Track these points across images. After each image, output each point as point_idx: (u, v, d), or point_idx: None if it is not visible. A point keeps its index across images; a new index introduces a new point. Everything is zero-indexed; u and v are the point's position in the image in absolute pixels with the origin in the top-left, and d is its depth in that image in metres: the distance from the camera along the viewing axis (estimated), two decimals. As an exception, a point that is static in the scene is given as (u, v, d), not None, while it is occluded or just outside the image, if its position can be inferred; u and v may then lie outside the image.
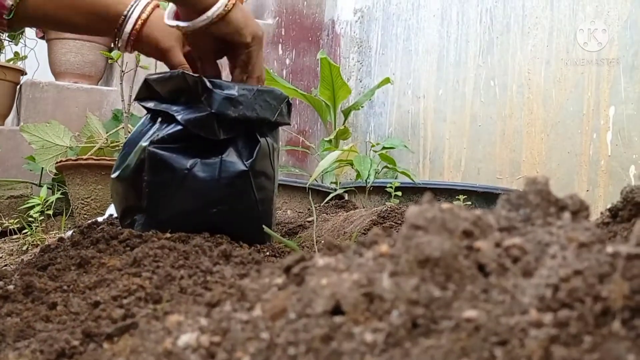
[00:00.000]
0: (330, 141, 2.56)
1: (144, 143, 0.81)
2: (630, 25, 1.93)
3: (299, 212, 1.44)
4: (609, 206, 0.52)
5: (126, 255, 0.71)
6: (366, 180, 1.36)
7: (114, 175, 0.88)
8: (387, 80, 2.60)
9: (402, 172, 1.41)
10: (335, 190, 1.56)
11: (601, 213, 0.55)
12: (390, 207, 1.09)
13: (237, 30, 0.82)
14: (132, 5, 0.87)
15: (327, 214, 1.32)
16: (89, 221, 1.50)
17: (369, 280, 0.29)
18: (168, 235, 0.77)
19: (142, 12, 0.87)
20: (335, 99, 2.70)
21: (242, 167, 0.80)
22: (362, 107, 2.74)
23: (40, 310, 0.52)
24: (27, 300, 0.56)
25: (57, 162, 1.92)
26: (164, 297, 0.45)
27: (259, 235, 0.84)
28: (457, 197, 1.39)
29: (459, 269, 0.29)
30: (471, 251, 0.29)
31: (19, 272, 0.73)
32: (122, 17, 0.87)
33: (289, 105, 0.87)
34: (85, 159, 1.83)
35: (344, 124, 2.77)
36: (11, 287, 0.64)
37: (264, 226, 0.81)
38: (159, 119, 0.84)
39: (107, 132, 2.22)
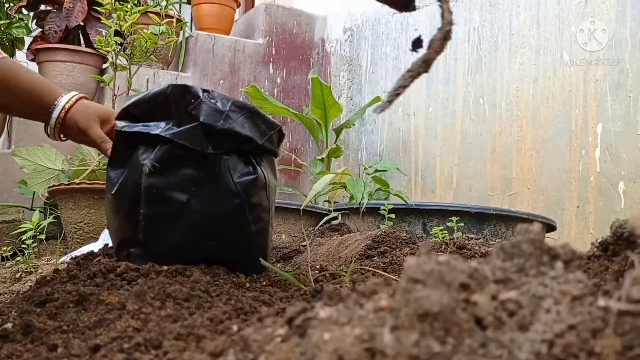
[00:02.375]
0: (322, 159, 2.57)
1: (134, 173, 0.81)
2: (615, 44, 1.97)
3: (294, 236, 1.45)
4: (599, 240, 0.53)
5: (124, 290, 0.71)
6: (359, 203, 1.37)
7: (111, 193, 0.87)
8: (377, 99, 2.63)
9: (395, 194, 1.43)
10: (330, 212, 1.57)
11: (592, 244, 0.56)
12: (384, 232, 1.10)
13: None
14: (60, 96, 1.02)
15: (321, 238, 1.32)
16: (85, 251, 1.50)
17: (371, 335, 0.30)
18: (165, 268, 0.77)
19: (67, 102, 1.02)
20: (327, 117, 2.72)
21: (238, 200, 0.80)
22: (353, 125, 2.76)
23: (41, 352, 0.52)
24: (27, 341, 0.57)
25: (49, 187, 1.91)
26: (165, 345, 0.46)
27: (255, 265, 0.85)
28: (449, 218, 1.40)
29: (457, 322, 0.29)
30: (468, 304, 0.30)
31: (17, 308, 0.73)
32: (52, 105, 1.02)
33: (281, 134, 0.88)
34: (78, 184, 1.83)
35: (335, 142, 2.78)
36: (9, 325, 0.64)
37: (260, 259, 0.81)
38: (142, 141, 0.83)
39: (99, 155, 2.22)
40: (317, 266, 1.14)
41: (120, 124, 0.89)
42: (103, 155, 2.18)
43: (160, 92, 0.82)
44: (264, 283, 0.83)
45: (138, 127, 0.84)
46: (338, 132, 2.75)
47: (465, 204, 1.43)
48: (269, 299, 0.64)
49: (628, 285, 0.27)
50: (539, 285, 0.31)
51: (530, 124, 2.22)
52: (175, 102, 0.81)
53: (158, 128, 0.82)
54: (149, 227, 0.80)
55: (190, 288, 0.61)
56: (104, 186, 1.95)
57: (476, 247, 0.89)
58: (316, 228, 1.44)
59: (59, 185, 1.87)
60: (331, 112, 2.69)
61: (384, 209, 1.32)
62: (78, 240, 1.85)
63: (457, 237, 0.99)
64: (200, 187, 0.80)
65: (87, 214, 1.84)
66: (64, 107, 1.01)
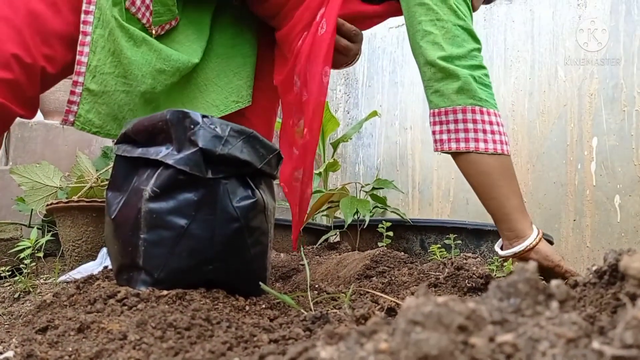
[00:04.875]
0: (319, 174, 2.58)
1: (134, 198, 0.82)
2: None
3: (293, 255, 1.45)
4: (594, 267, 0.54)
5: (125, 317, 0.71)
6: (358, 223, 1.37)
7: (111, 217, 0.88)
8: (374, 114, 2.64)
9: (393, 211, 1.43)
10: (329, 228, 1.57)
11: (587, 269, 0.57)
12: (382, 251, 1.11)
13: (546, 256, 1.07)
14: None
15: (320, 257, 1.33)
16: (83, 270, 1.50)
17: (371, 378, 0.30)
18: (165, 292, 0.78)
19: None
20: (324, 131, 2.73)
21: (237, 225, 0.81)
22: (350, 139, 2.77)
23: (43, 383, 0.53)
24: (29, 371, 0.57)
25: (47, 205, 1.91)
26: (169, 379, 0.46)
27: (254, 288, 0.85)
28: (447, 234, 1.41)
29: (455, 365, 0.30)
30: (467, 346, 0.31)
31: (17, 335, 0.73)
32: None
33: (279, 158, 0.89)
34: (77, 201, 1.83)
35: (332, 156, 2.79)
36: (10, 353, 0.65)
37: (260, 283, 0.82)
38: (142, 166, 0.84)
39: (97, 171, 2.22)
40: (317, 286, 1.15)
41: (120, 148, 0.90)
42: (101, 172, 2.18)
43: (160, 118, 0.83)
44: (264, 306, 0.84)
45: (138, 153, 0.85)
46: (335, 146, 2.76)
47: (462, 221, 1.44)
48: (269, 325, 0.64)
49: (621, 330, 0.28)
50: (535, 326, 0.31)
51: (526, 138, 2.24)
52: (174, 127, 0.82)
53: (158, 153, 0.82)
54: (148, 252, 0.80)
55: (191, 317, 0.61)
56: (103, 204, 1.95)
57: (474, 268, 0.90)
58: (315, 246, 1.44)
59: (57, 203, 1.87)
60: (328, 126, 2.70)
61: (382, 227, 1.33)
62: (76, 258, 1.85)
63: (455, 256, 1.00)
64: (199, 212, 0.81)
65: (85, 231, 1.84)
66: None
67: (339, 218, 1.55)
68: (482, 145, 1.08)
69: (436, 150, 1.15)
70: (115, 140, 0.93)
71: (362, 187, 1.45)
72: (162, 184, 0.81)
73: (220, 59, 1.34)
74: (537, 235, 1.08)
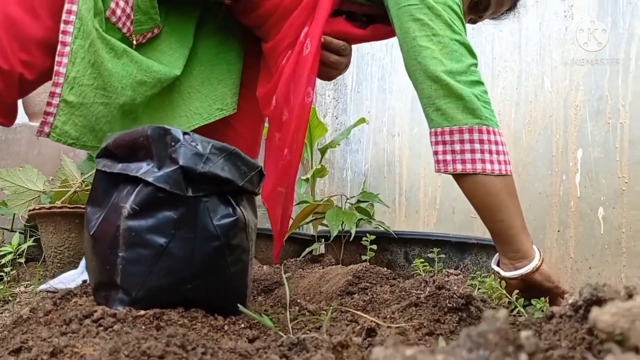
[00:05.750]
0: (307, 180, 2.58)
1: (113, 215, 0.81)
2: (594, 71, 2.00)
3: (275, 268, 1.44)
4: (570, 300, 0.54)
5: (100, 339, 0.70)
6: (343, 234, 1.37)
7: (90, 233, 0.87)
8: (362, 120, 2.64)
9: (378, 224, 1.43)
10: (313, 237, 1.57)
11: (565, 298, 0.57)
12: (365, 267, 1.10)
13: (548, 277, 1.08)
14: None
15: (303, 270, 1.32)
16: (65, 280, 1.48)
17: None
18: (142, 312, 0.77)
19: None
20: (312, 137, 2.72)
21: (218, 243, 0.80)
22: (338, 145, 2.77)
23: (12, 413, 0.52)
24: (-2, 399, 0.56)
25: (30, 210, 1.89)
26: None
27: (234, 307, 0.85)
28: (431, 247, 1.41)
29: (421, 423, 0.30)
30: (433, 403, 0.31)
31: (-10, 355, 0.72)
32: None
33: (261, 175, 0.88)
34: (59, 207, 1.81)
35: (320, 161, 2.79)
36: (-18, 377, 0.64)
37: (239, 305, 0.81)
38: (122, 182, 0.83)
39: (81, 174, 2.20)
40: (298, 301, 1.14)
41: (100, 162, 0.88)
42: (86, 177, 2.16)
43: (141, 134, 0.82)
44: (243, 325, 0.83)
45: (118, 168, 0.84)
46: (323, 151, 2.76)
47: (446, 234, 1.44)
48: (245, 351, 0.64)
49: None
50: (503, 382, 0.31)
51: (512, 148, 2.24)
52: (155, 143, 0.81)
53: (138, 170, 0.81)
54: (127, 271, 0.79)
55: (166, 343, 0.60)
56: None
57: (455, 287, 0.90)
58: (298, 259, 1.44)
59: (39, 208, 1.85)
60: (316, 132, 2.69)
61: (367, 240, 1.33)
62: (58, 264, 1.83)
63: (438, 272, 1.00)
64: (179, 230, 0.80)
65: (67, 238, 1.83)
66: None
67: (324, 227, 1.55)
68: (488, 166, 1.05)
69: (438, 171, 1.10)
70: (90, 152, 0.92)
71: (348, 199, 1.45)
72: (141, 202, 0.80)
73: (205, 66, 1.33)
74: (540, 257, 1.08)
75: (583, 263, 1.95)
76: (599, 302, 0.50)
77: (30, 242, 1.91)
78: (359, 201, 1.46)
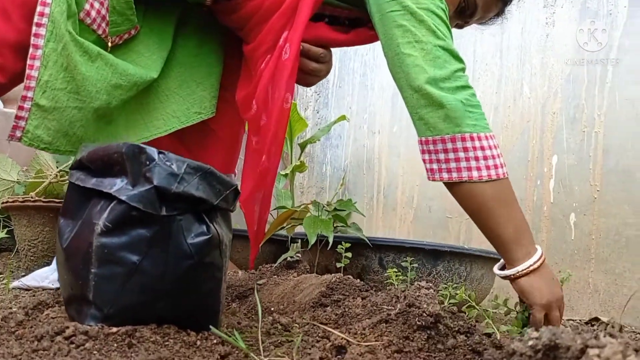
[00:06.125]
0: (286, 175, 2.58)
1: (86, 230, 0.81)
2: (572, 79, 2.03)
3: (250, 273, 1.45)
4: (530, 342, 0.56)
5: (71, 358, 0.71)
6: (319, 241, 1.38)
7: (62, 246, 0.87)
8: (343, 117, 2.65)
9: (354, 231, 1.45)
10: (288, 238, 1.58)
11: (524, 341, 0.58)
12: (338, 278, 1.12)
13: (522, 292, 1.08)
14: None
15: (277, 276, 1.33)
16: (39, 278, 1.47)
17: None
18: (114, 330, 0.77)
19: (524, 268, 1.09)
20: (292, 132, 2.72)
21: (191, 262, 0.81)
22: (318, 140, 2.78)
23: None
24: None
25: (2, 202, 1.87)
26: None
27: (206, 323, 0.85)
28: (405, 253, 1.43)
29: None
30: None
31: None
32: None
33: (236, 193, 0.89)
34: (34, 201, 1.79)
35: (300, 156, 2.80)
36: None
37: (211, 327, 0.82)
38: (96, 196, 0.83)
39: (57, 165, 2.17)
40: (272, 309, 1.16)
41: (74, 175, 0.88)
42: (61, 167, 2.14)
43: (116, 150, 0.82)
44: (215, 341, 0.84)
45: (92, 183, 0.84)
46: (303, 147, 2.76)
47: (420, 241, 1.46)
48: (215, 376, 0.65)
49: None
50: None
51: (490, 151, 2.27)
52: (130, 161, 0.81)
53: (112, 186, 0.81)
54: (99, 287, 0.79)
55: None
56: (60, 204, 1.91)
57: (425, 305, 0.92)
58: (274, 265, 1.45)
59: (12, 201, 1.83)
60: (296, 126, 2.70)
61: (342, 247, 1.34)
62: (32, 257, 1.81)
63: (409, 288, 1.01)
64: (152, 249, 0.80)
65: (41, 231, 1.81)
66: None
67: (300, 231, 1.56)
68: (475, 173, 1.04)
69: (429, 179, 1.10)
70: (71, 165, 0.91)
71: (324, 206, 1.46)
72: (114, 219, 0.80)
73: (183, 68, 1.31)
74: (525, 268, 1.06)
75: (553, 267, 1.99)
76: (557, 347, 0.52)
77: (3, 234, 1.90)
78: (335, 209, 1.47)
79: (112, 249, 0.80)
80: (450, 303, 1.20)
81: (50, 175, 2.09)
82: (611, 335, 0.61)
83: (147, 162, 0.80)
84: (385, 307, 0.98)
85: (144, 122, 1.24)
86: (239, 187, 0.89)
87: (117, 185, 0.81)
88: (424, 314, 0.91)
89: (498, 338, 1.03)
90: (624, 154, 1.84)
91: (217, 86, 1.37)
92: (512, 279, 1.09)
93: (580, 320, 1.69)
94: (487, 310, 1.19)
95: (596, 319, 1.68)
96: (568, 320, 1.72)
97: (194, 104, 1.31)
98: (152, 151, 0.80)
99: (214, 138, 1.40)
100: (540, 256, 1.08)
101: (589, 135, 1.96)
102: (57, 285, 1.42)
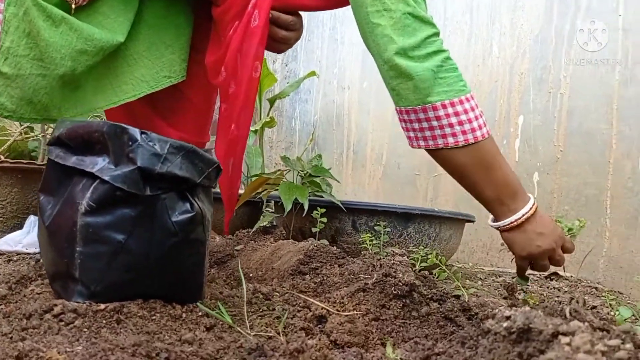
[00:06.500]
0: (255, 131, 2.58)
1: (69, 209, 0.81)
2: (540, 40, 2.06)
3: (227, 239, 1.47)
4: (505, 324, 0.60)
5: (63, 337, 0.73)
6: (294, 206, 1.41)
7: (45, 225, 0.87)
8: (312, 73, 2.63)
9: (328, 197, 1.48)
10: (262, 201, 1.60)
11: (501, 314, 0.63)
12: (316, 246, 1.15)
13: (506, 244, 1.14)
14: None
15: (254, 242, 1.36)
16: (11, 242, 1.46)
17: None
18: (102, 307, 0.79)
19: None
20: (261, 87, 2.70)
21: (176, 239, 0.82)
22: (287, 95, 2.76)
23: None
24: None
25: (-33, 163, 1.82)
26: None
27: (191, 296, 0.88)
28: (377, 216, 1.47)
29: None
30: None
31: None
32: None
33: (218, 170, 0.90)
34: (0, 162, 1.75)
35: (269, 112, 2.78)
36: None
37: (199, 304, 0.84)
38: (78, 174, 0.83)
39: (21, 125, 2.11)
40: (251, 275, 1.19)
41: (53, 152, 0.87)
42: (25, 126, 2.08)
43: (96, 129, 0.82)
44: (200, 314, 0.87)
45: (73, 161, 0.83)
46: (272, 102, 2.74)
47: (392, 205, 1.50)
48: (207, 354, 0.68)
49: None
50: None
51: (458, 110, 2.31)
52: (111, 141, 0.81)
53: (94, 166, 0.81)
54: (85, 265, 0.81)
55: (132, 354, 0.64)
56: (29, 165, 1.88)
57: (400, 275, 0.96)
58: (251, 231, 1.47)
59: (-22, 162, 1.78)
60: (265, 82, 2.67)
61: (317, 213, 1.37)
62: (1, 219, 1.79)
63: (383, 256, 1.06)
64: (137, 228, 0.81)
65: (10, 192, 1.78)
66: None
67: (275, 193, 1.58)
68: (450, 139, 1.04)
69: (410, 146, 1.12)
70: (48, 141, 0.90)
71: (299, 173, 1.48)
72: (98, 199, 0.80)
73: (152, 30, 1.27)
74: (509, 222, 1.09)
75: (516, 224, 2.08)
76: (530, 330, 0.57)
77: (-31, 195, 1.86)
78: (310, 175, 1.49)
79: (96, 228, 0.80)
80: (421, 266, 1.26)
81: (15, 133, 2.04)
82: (577, 314, 0.66)
83: (130, 143, 0.80)
84: (362, 275, 1.02)
85: (112, 87, 1.20)
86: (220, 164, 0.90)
87: (99, 165, 0.81)
88: (400, 283, 0.96)
89: (467, 300, 1.09)
90: (587, 116, 1.90)
91: (186, 49, 1.34)
92: (502, 230, 1.13)
93: (540, 275, 1.79)
94: (457, 273, 1.25)
95: (555, 274, 1.78)
96: (529, 274, 1.81)
97: (163, 67, 1.28)
98: (135, 131, 0.80)
99: (186, 103, 1.38)
100: (525, 213, 1.10)
101: (555, 97, 2.01)
102: (31, 250, 1.42)
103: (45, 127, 2.00)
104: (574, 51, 1.96)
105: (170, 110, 1.39)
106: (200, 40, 1.37)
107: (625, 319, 0.89)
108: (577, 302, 0.83)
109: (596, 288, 1.61)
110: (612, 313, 1.12)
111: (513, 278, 1.17)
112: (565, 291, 1.56)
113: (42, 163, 1.87)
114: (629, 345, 0.50)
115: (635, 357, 0.50)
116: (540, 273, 1.84)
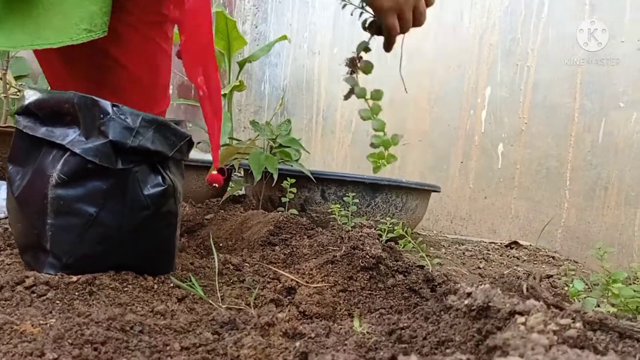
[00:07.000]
0: (225, 95, 2.55)
1: (39, 180, 0.81)
2: (510, 12, 2.08)
3: (197, 208, 1.48)
4: (466, 301, 0.63)
5: (36, 309, 0.73)
6: (264, 175, 1.41)
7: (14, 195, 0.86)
8: (284, 37, 2.60)
9: (298, 166, 1.49)
10: (233, 168, 1.60)
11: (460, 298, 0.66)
12: (285, 217, 1.17)
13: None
14: None
15: (224, 211, 1.37)
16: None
17: None
18: (74, 279, 0.80)
19: None
20: (230, 49, 2.66)
21: (148, 212, 0.83)
22: (257, 59, 2.73)
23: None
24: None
25: None
26: None
27: (162, 267, 0.89)
28: (346, 186, 1.49)
29: None
30: None
31: None
32: None
33: (190, 144, 0.90)
34: (-39, 123, 1.70)
35: (238, 76, 2.75)
36: None
37: (172, 277, 0.86)
38: (48, 145, 0.82)
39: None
40: (221, 245, 1.20)
41: (20, 122, 0.86)
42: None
43: (66, 100, 0.80)
44: (171, 285, 0.88)
45: (42, 132, 0.82)
46: (242, 65, 2.71)
47: (361, 175, 1.52)
48: (180, 327, 0.70)
49: None
50: None
51: (428, 80, 2.33)
52: (82, 113, 0.80)
53: (65, 138, 0.81)
54: (56, 237, 0.81)
55: (107, 328, 0.65)
56: (3, 129, 1.81)
57: (368, 248, 0.99)
58: (221, 200, 1.48)
59: (-63, 122, 1.73)
60: (234, 44, 2.63)
61: (287, 183, 1.39)
62: (-36, 181, 1.75)
63: (351, 228, 1.08)
64: (109, 200, 0.81)
65: (-26, 154, 1.74)
66: None
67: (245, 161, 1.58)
68: None
69: None
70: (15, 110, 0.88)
71: (270, 141, 1.48)
72: (69, 171, 0.80)
73: None
74: None
75: (480, 193, 2.14)
76: (489, 308, 0.60)
77: None
78: (280, 145, 1.49)
79: (68, 200, 0.80)
80: (388, 237, 1.29)
81: (-26, 92, 1.98)
82: (533, 290, 0.70)
83: (101, 115, 0.79)
84: (331, 247, 1.05)
85: (36, 26, 1.09)
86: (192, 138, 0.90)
87: (70, 137, 0.81)
88: (367, 255, 0.99)
89: (430, 270, 1.13)
90: (551, 90, 1.95)
91: (109, 1, 1.20)
92: None
93: (501, 243, 1.86)
94: (422, 243, 1.29)
95: (515, 243, 1.85)
96: (490, 243, 1.88)
97: (82, 19, 1.15)
98: (106, 104, 0.79)
99: (125, 74, 1.26)
100: None
101: (522, 69, 2.05)
102: (1, 214, 1.40)
103: (7, 86, 1.94)
104: (542, 25, 1.99)
105: (112, 88, 1.26)
106: (132, 0, 1.23)
107: (578, 292, 0.95)
108: (534, 277, 0.87)
109: (553, 257, 1.68)
110: (567, 283, 1.18)
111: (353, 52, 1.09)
112: (524, 260, 1.62)
113: (4, 125, 1.83)
114: (579, 324, 0.54)
115: (584, 334, 0.54)
116: (502, 241, 1.90)
